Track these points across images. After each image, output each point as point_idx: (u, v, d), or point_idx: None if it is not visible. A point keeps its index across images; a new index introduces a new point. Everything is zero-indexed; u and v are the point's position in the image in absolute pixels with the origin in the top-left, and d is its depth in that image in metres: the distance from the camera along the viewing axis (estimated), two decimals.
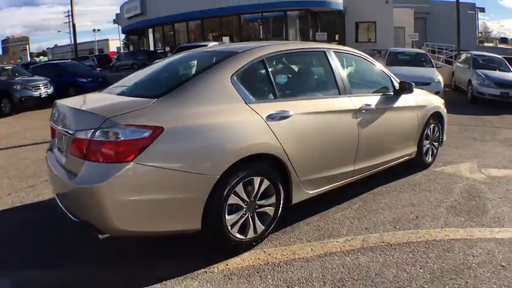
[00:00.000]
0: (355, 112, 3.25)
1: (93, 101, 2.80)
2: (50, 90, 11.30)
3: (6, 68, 12.31)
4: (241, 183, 2.50)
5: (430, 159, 4.49)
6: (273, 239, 2.80)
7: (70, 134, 2.33)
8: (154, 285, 2.25)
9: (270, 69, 2.82)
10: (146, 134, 2.17)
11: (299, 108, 2.85)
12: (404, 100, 3.87)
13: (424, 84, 8.34)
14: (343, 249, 2.64)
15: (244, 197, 2.54)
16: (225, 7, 20.98)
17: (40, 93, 10.92)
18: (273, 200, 2.71)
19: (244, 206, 2.56)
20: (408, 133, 3.99)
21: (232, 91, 2.56)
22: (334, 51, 3.36)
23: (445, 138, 4.79)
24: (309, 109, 2.92)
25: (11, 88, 10.62)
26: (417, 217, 3.16)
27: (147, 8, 25.48)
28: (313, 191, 3.02)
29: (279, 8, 20.86)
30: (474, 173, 4.31)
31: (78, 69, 13.72)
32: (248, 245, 2.63)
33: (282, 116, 2.71)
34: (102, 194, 2.12)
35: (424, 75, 9.09)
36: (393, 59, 10.53)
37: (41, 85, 11.08)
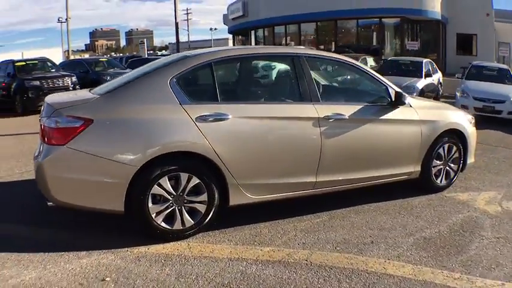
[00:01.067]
0: (318, 121, 3.03)
1: (66, 95, 3.27)
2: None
3: (102, 60, 14.48)
4: (166, 177, 2.63)
5: (443, 182, 3.87)
6: (207, 236, 2.85)
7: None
8: (80, 252, 2.56)
9: (216, 74, 2.84)
10: (78, 124, 2.49)
11: (241, 112, 2.81)
12: (401, 112, 3.44)
13: (498, 102, 8.11)
14: (259, 258, 2.54)
15: (170, 190, 2.66)
16: (320, 11, 20.65)
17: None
18: (204, 197, 2.76)
19: (171, 199, 2.68)
20: (405, 150, 3.52)
21: (169, 93, 2.68)
22: (307, 57, 3.18)
23: (470, 160, 4.07)
24: (253, 113, 2.84)
25: (101, 78, 12.56)
26: (372, 242, 2.81)
27: (248, 10, 26.17)
28: (258, 196, 2.95)
29: (375, 15, 20.09)
30: (490, 204, 3.57)
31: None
32: (177, 235, 2.75)
33: (217, 118, 2.72)
34: (44, 170, 2.52)
35: (500, 93, 8.37)
36: (474, 73, 9.72)
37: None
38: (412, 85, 8.72)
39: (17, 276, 2.25)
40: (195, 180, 2.71)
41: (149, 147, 2.56)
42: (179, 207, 2.72)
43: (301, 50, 3.47)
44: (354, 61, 3.46)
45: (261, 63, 3.33)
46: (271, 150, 2.92)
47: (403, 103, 3.35)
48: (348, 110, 3.19)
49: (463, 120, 3.92)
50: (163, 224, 2.68)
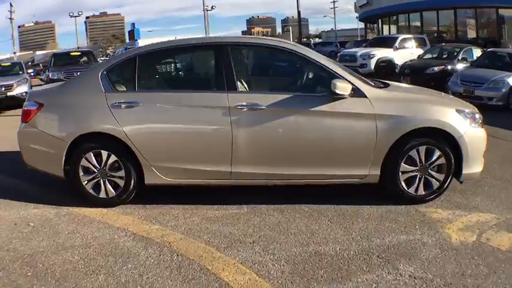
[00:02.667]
0: (229, 110, 2.98)
1: (49, 85, 4.13)
2: None
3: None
4: (90, 152, 3.17)
5: (419, 192, 3.13)
6: (126, 207, 3.17)
7: None
8: (30, 203, 3.28)
9: (139, 65, 3.11)
10: (34, 107, 3.28)
11: (152, 100, 3.03)
12: (346, 104, 2.98)
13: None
14: (138, 233, 2.75)
15: (95, 163, 3.16)
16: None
17: None
18: (122, 173, 3.15)
19: (96, 171, 3.20)
20: (352, 148, 3.01)
21: (98, 83, 3.11)
22: (233, 46, 3.10)
23: (472, 170, 3.12)
24: (162, 102, 3.01)
25: None
26: (252, 243, 2.61)
27: None
28: (172, 179, 3.16)
29: (492, 4, 17.04)
30: (466, 231, 2.68)
31: None
32: (103, 203, 3.25)
33: (129, 105, 3.03)
34: (18, 140, 3.36)
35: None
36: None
37: None
38: (502, 79, 7.22)
39: None
40: (114, 158, 3.14)
41: (76, 127, 3.14)
42: (103, 180, 3.21)
43: (232, 38, 3.41)
44: (295, 48, 3.12)
45: (187, 54, 3.44)
46: (181, 137, 3.07)
47: (335, 93, 2.89)
48: (268, 99, 2.99)
49: (450, 117, 3.04)
50: (91, 192, 3.23)
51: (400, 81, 9.88)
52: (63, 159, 3.15)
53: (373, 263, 2.33)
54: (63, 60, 12.12)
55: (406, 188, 3.10)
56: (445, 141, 3.02)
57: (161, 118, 3.04)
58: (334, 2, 51.72)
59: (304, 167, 3.05)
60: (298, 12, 22.23)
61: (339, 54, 13.39)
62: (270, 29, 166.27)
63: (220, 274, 2.26)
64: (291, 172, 3.06)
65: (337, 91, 2.82)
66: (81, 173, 3.17)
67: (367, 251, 2.46)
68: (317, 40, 57.19)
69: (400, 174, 3.06)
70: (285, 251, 2.50)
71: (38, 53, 41.44)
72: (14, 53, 32.92)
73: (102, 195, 3.21)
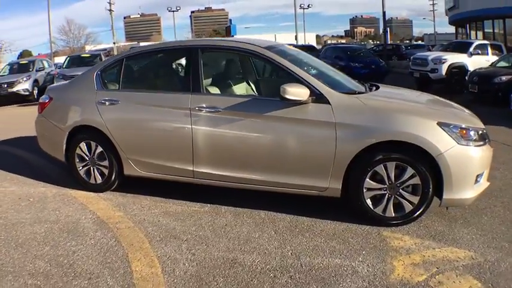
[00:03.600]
0: (190, 111, 3.08)
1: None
2: None
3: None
4: (83, 142, 3.61)
5: (388, 213, 2.78)
6: (109, 193, 3.57)
7: None
8: (39, 182, 3.93)
9: (124, 66, 3.45)
10: (46, 100, 3.90)
11: (129, 98, 3.35)
12: (304, 110, 2.83)
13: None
14: (100, 217, 3.08)
15: (86, 152, 3.62)
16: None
17: None
18: (106, 163, 3.55)
19: (88, 159, 3.65)
20: (309, 158, 2.84)
21: (92, 82, 3.56)
22: (202, 49, 3.22)
23: (456, 195, 2.66)
24: (136, 100, 3.30)
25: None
26: (185, 240, 2.70)
27: (459, 1, 23.34)
28: (145, 172, 3.42)
29: None
30: (422, 268, 2.29)
31: (357, 54, 14.37)
32: (94, 188, 3.66)
33: (111, 103, 3.40)
34: (35, 127, 4.08)
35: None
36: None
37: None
38: None
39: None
40: (100, 149, 3.56)
41: (73, 120, 3.63)
42: (93, 167, 3.65)
43: (203, 41, 3.46)
44: (260, 50, 3.07)
45: (164, 57, 3.60)
46: (152, 134, 3.30)
47: (285, 98, 2.75)
48: (226, 102, 3.02)
49: (427, 131, 2.61)
50: (84, 177, 3.70)
51: (468, 90, 8.67)
52: (64, 146, 3.67)
53: (280, 282, 2.20)
54: (76, 61, 13.57)
55: (372, 207, 2.79)
56: (421, 158, 2.61)
57: (135, 116, 3.32)
58: (433, 4, 46.95)
59: (259, 173, 2.99)
60: (383, 13, 21.06)
61: (411, 58, 12.21)
62: (372, 29, 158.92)
63: (133, 264, 2.41)
64: (247, 176, 3.03)
65: (286, 96, 2.69)
66: (76, 160, 3.65)
67: (284, 269, 2.33)
68: (417, 42, 53.08)
69: (365, 190, 2.77)
70: (206, 253, 2.52)
71: (141, 44, 44.66)
72: (114, 43, 35.53)
73: (92, 181, 3.64)
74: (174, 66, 3.55)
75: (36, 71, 13.08)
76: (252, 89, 3.32)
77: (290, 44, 16.65)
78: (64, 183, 3.89)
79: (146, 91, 3.44)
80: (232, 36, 42.61)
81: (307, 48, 18.55)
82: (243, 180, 3.09)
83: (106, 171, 3.56)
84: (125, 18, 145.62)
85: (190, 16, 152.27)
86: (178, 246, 2.64)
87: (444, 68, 10.00)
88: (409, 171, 2.67)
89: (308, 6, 46.79)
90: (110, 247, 2.65)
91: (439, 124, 2.64)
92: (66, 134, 3.63)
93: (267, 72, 3.95)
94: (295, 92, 2.69)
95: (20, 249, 2.66)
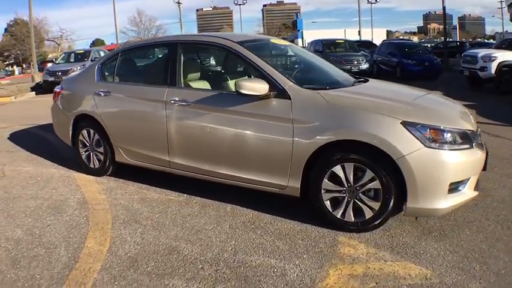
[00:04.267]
0: (165, 104, 3.22)
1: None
2: (364, 66, 13.30)
3: (339, 41, 15.48)
4: (84, 130, 3.97)
5: (346, 218, 2.63)
6: (106, 178, 3.91)
7: None
8: (54, 163, 4.46)
9: (118, 60, 3.74)
10: (59, 90, 4.35)
11: (119, 90, 3.62)
12: (264, 105, 2.79)
13: None
14: (85, 199, 3.41)
15: (87, 138, 3.99)
16: None
17: (351, 67, 12.95)
18: (101, 150, 3.88)
19: (88, 145, 4.00)
20: (268, 154, 2.79)
21: (94, 74, 3.90)
22: (182, 44, 3.32)
23: (415, 205, 2.42)
24: (124, 93, 3.56)
25: (329, 60, 13.94)
26: (136, 222, 2.86)
27: None
28: (132, 160, 3.65)
29: None
30: (358, 281, 2.15)
31: (411, 51, 13.77)
32: (93, 172, 3.99)
33: (105, 94, 3.70)
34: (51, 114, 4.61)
35: None
36: None
37: (353, 59, 13.37)
38: None
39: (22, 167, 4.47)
40: (97, 136, 3.89)
41: (76, 108, 4.02)
42: (92, 153, 4.01)
43: (182, 37, 3.53)
44: (231, 45, 3.04)
45: (151, 51, 3.74)
46: (135, 124, 3.51)
47: (241, 94, 2.73)
48: (195, 96, 3.10)
49: (388, 131, 2.40)
50: (85, 161, 4.07)
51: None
52: (70, 132, 4.08)
53: (202, 274, 2.25)
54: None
55: (330, 210, 2.66)
56: (381, 161, 2.42)
57: (123, 107, 3.58)
58: (501, 1, 41.59)
59: (224, 167, 3.03)
60: (443, 8, 19.35)
61: (462, 55, 11.07)
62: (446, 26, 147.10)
63: (87, 241, 2.67)
64: (214, 170, 3.09)
65: (241, 91, 2.68)
66: (80, 146, 4.04)
67: (214, 262, 2.37)
68: (485, 41, 48.33)
69: (323, 192, 2.65)
70: (154, 239, 2.67)
71: None
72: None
73: (91, 165, 4.01)
74: (156, 60, 3.71)
75: (91, 60, 14.04)
76: (226, 83, 3.34)
77: (339, 39, 16.19)
78: (74, 166, 4.31)
79: (133, 84, 3.67)
80: (299, 30, 42.31)
81: (364, 44, 18.04)
82: (210, 173, 3.15)
83: (102, 157, 3.87)
84: (197, 10, 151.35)
85: (262, 10, 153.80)
86: (134, 230, 2.80)
87: (493, 66, 8.91)
88: (368, 174, 2.48)
89: (376, 0, 44.59)
90: (78, 224, 2.91)
91: (404, 124, 2.40)
92: (71, 121, 4.03)
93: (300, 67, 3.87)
94: (251, 86, 2.66)
95: (8, 219, 3.06)
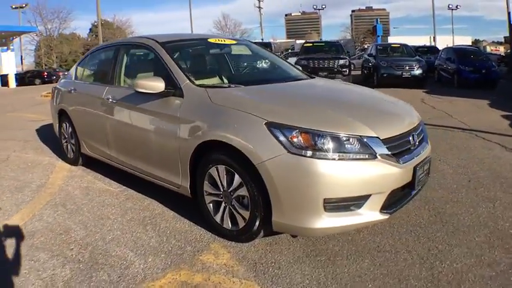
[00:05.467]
0: (102, 101, 3.55)
1: None
2: (417, 71, 12.35)
3: (394, 46, 14.67)
4: (63, 123, 4.54)
5: (224, 224, 2.60)
6: (81, 167, 4.47)
7: None
8: (51, 152, 5.18)
9: (87, 60, 4.24)
10: (53, 88, 5.03)
11: (79, 88, 4.11)
12: (162, 103, 2.90)
13: None
14: (70, 185, 3.96)
15: (65, 131, 4.54)
16: None
17: (402, 73, 12.43)
18: (74, 141, 4.39)
19: (66, 137, 4.55)
20: (164, 151, 2.91)
21: (73, 73, 4.48)
22: (123, 46, 3.63)
23: (280, 219, 2.26)
24: (82, 90, 4.03)
25: (379, 64, 13.19)
26: (76, 210, 3.21)
27: None
28: (91, 153, 4.06)
29: None
30: None
31: (470, 57, 12.67)
32: (69, 162, 4.57)
33: (73, 91, 4.22)
34: None
35: None
36: None
37: (406, 65, 12.52)
38: None
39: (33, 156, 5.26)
40: (70, 129, 4.43)
41: (58, 104, 4.61)
42: (69, 145, 4.55)
43: (124, 39, 3.77)
44: (153, 45, 3.16)
45: (106, 52, 4.02)
46: (88, 119, 3.93)
47: (137, 91, 2.87)
48: (120, 93, 3.36)
49: (247, 132, 2.31)
50: (65, 151, 4.66)
51: None
52: (57, 125, 4.71)
53: (35, 243, 2.52)
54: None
55: (212, 214, 2.67)
56: (247, 165, 2.34)
57: (81, 103, 4.04)
58: None
59: (137, 161, 3.25)
60: (508, 14, 16.75)
61: None
62: None
63: (13, 216, 3.10)
64: (132, 163, 3.31)
65: (136, 89, 2.84)
66: (62, 137, 4.63)
67: (79, 244, 2.61)
68: None
69: (205, 194, 2.68)
70: (64, 220, 3.01)
71: (297, 41, 45.49)
72: (262, 39, 39.67)
73: (68, 155, 4.59)
74: (109, 61, 4.03)
75: None
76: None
77: (395, 44, 15.45)
78: (64, 156, 4.93)
79: (89, 82, 4.10)
80: (378, 36, 40.99)
81: (430, 50, 18.41)
82: (130, 167, 3.38)
83: (74, 148, 4.40)
84: (286, 15, 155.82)
85: (350, 15, 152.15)
86: (55, 211, 3.18)
87: None
88: (237, 179, 2.43)
89: (456, 7, 40.46)
90: (22, 202, 3.39)
91: (269, 125, 2.25)
92: (56, 115, 4.64)
93: (242, 66, 3.99)
94: (146, 85, 2.80)
95: None
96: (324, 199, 2.13)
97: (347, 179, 2.14)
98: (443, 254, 2.34)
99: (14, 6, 41.06)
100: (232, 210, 2.52)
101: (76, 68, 4.50)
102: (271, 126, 2.25)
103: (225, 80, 3.33)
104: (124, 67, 3.57)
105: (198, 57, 3.55)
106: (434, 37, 31.23)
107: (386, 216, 2.29)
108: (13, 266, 2.34)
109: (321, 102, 2.69)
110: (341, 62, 12.03)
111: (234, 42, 3.87)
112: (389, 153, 2.27)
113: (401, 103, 3.01)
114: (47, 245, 2.59)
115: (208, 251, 2.48)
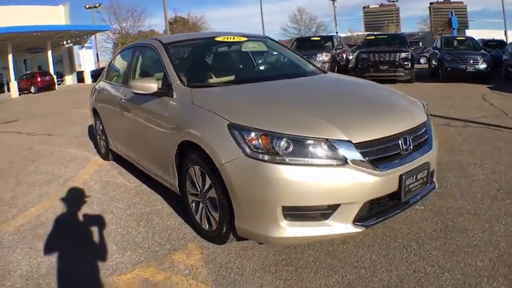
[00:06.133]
0: (119, 100, 3.80)
1: None
2: (481, 66, 11.33)
3: (460, 39, 13.65)
4: (96, 120, 4.97)
5: (203, 224, 2.65)
6: (111, 162, 4.87)
7: None
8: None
9: (113, 61, 4.57)
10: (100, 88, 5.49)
11: (106, 88, 4.43)
12: (154, 103, 3.04)
13: None
14: (88, 177, 4.39)
15: (98, 128, 4.97)
16: None
17: (466, 67, 11.46)
18: (104, 138, 4.77)
19: (99, 133, 5.00)
20: (159, 151, 3.04)
21: (104, 74, 4.86)
22: (137, 47, 3.84)
23: (242, 225, 2.24)
24: (108, 89, 4.34)
25: (443, 58, 12.20)
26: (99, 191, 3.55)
27: None
28: (116, 150, 4.40)
29: None
30: None
31: None
32: (102, 157, 5.01)
33: (100, 90, 4.59)
34: None
35: None
36: None
37: (470, 59, 11.53)
38: None
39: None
40: (101, 126, 4.83)
41: (92, 102, 5.04)
42: (101, 140, 4.98)
43: (140, 41, 3.93)
44: (157, 46, 3.27)
45: (127, 53, 4.20)
46: (110, 117, 4.26)
47: (134, 92, 3.03)
48: (128, 94, 3.56)
49: (211, 132, 2.30)
50: (99, 146, 5.12)
51: None
52: (94, 123, 5.18)
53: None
54: None
55: (194, 214, 2.74)
56: (213, 166, 2.34)
57: (106, 102, 4.37)
58: None
59: (144, 160, 3.44)
60: None
61: None
62: None
63: (35, 205, 3.51)
64: (141, 162, 3.54)
65: (132, 90, 3.01)
66: (97, 134, 5.09)
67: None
68: None
69: (188, 193, 2.75)
70: (65, 209, 3.34)
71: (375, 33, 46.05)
72: (336, 32, 40.91)
73: (101, 150, 5.03)
74: (130, 62, 4.25)
75: None
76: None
77: (461, 37, 14.39)
78: (99, 151, 5.41)
79: (112, 82, 4.41)
80: (454, 28, 38.15)
81: (497, 44, 17.98)
82: (140, 164, 3.60)
83: (105, 144, 4.80)
84: (364, 8, 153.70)
85: (429, 7, 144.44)
86: (70, 202, 3.53)
87: None
88: (208, 180, 2.45)
89: None
90: (46, 194, 3.84)
91: (230, 126, 2.22)
92: (92, 113, 5.11)
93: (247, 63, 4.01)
94: (139, 86, 2.95)
95: (15, 179, 4.24)
96: (283, 207, 2.04)
97: (309, 187, 2.01)
98: (428, 279, 2.06)
99: (87, 6, 44.76)
100: (207, 211, 2.54)
101: (106, 69, 4.89)
102: (233, 127, 2.21)
103: (225, 79, 3.33)
104: (136, 68, 3.79)
105: (201, 56, 3.60)
106: (505, 31, 28.19)
107: (359, 230, 2.10)
108: (11, 253, 2.65)
109: (299, 101, 2.55)
110: (403, 55, 11.32)
111: (245, 39, 3.84)
112: (364, 159, 2.07)
113: (402, 101, 2.72)
114: (49, 231, 2.90)
115: (183, 251, 2.54)
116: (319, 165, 2.02)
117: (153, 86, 2.93)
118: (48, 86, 24.48)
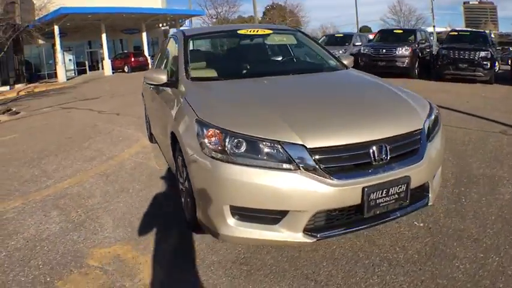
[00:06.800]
0: (149, 87, 4.16)
1: None
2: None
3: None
4: (144, 105, 5.50)
5: (187, 214, 2.82)
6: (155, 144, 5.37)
7: None
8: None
9: (158, 50, 4.88)
10: None
11: None
12: (166, 94, 3.30)
13: None
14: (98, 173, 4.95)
15: (146, 113, 5.50)
16: None
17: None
18: (147, 121, 5.29)
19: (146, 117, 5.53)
20: (164, 138, 3.27)
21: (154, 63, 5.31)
22: (171, 38, 4.10)
23: (201, 218, 2.37)
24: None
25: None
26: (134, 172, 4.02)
27: None
28: (154, 134, 4.85)
29: None
30: None
31: None
32: (149, 139, 5.56)
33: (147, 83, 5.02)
34: None
35: None
36: None
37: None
38: None
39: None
40: (146, 112, 5.36)
41: (143, 89, 5.60)
42: (147, 125, 5.53)
43: (175, 32, 4.12)
44: (179, 38, 3.50)
45: (167, 42, 4.45)
46: (147, 103, 4.68)
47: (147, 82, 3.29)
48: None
49: (185, 129, 2.44)
50: (146, 130, 5.68)
51: None
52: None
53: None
54: None
55: (182, 201, 2.95)
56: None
57: (145, 89, 4.79)
58: None
59: (161, 146, 3.75)
60: None
61: None
62: None
63: (73, 176, 4.09)
64: (161, 147, 3.85)
65: (145, 80, 3.28)
66: (146, 118, 5.63)
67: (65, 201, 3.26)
68: None
69: (180, 181, 2.96)
70: (103, 186, 3.80)
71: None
72: (433, 26, 38.22)
73: (148, 133, 5.52)
74: None
75: (353, 45, 14.48)
76: None
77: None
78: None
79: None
80: None
81: None
82: (161, 149, 3.90)
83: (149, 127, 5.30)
84: (464, 3, 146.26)
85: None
86: (105, 177, 4.01)
87: None
88: (185, 171, 2.59)
89: None
90: (83, 169, 4.42)
91: (196, 122, 2.30)
92: (142, 98, 5.65)
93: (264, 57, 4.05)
94: (150, 77, 3.20)
95: (65, 147, 4.97)
96: (231, 206, 2.08)
97: (255, 189, 2.02)
98: None
99: None
100: (186, 200, 2.69)
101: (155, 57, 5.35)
102: (198, 122, 2.30)
103: (237, 71, 3.39)
104: (166, 57, 4.09)
105: (213, 49, 3.72)
106: None
107: (310, 240, 2.04)
108: (27, 217, 3.15)
109: (274, 100, 2.52)
110: (482, 54, 10.54)
111: (269, 32, 3.83)
112: (318, 166, 1.98)
113: (394, 107, 2.46)
114: (65, 206, 3.38)
115: (163, 235, 2.75)
116: (268, 168, 2.01)
117: (162, 77, 3.16)
118: (142, 67, 25.87)
